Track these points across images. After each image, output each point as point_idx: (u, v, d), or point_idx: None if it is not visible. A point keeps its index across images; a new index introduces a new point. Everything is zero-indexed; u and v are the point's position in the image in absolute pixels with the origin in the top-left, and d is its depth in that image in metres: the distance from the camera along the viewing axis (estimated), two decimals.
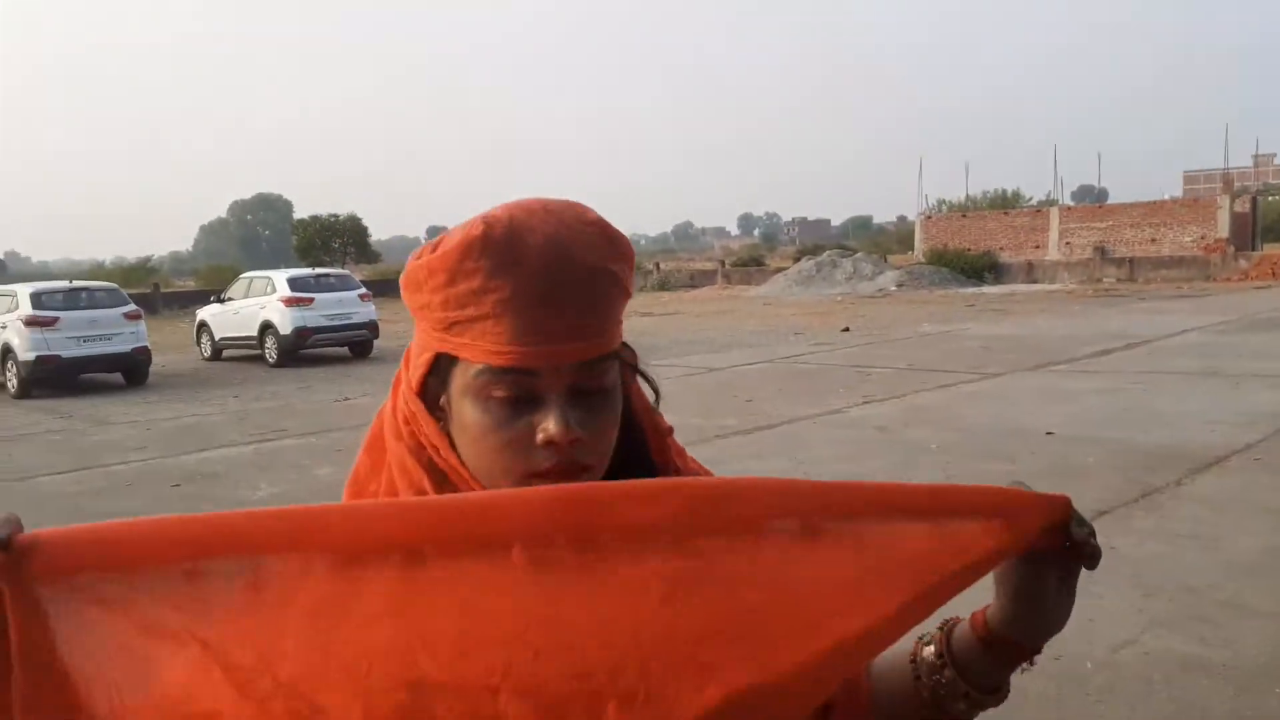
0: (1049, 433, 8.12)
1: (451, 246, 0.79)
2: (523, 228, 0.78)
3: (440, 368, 0.82)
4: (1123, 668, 3.77)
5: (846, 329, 18.75)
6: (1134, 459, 7.05)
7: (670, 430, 0.93)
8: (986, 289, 31.74)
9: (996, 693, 0.86)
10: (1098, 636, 4.05)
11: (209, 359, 18.40)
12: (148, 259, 55.23)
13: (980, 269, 34.79)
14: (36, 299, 14.37)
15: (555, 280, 0.78)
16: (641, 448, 0.89)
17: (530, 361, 0.78)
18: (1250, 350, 13.01)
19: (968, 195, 49.63)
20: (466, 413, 0.81)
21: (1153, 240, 33.82)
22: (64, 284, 15.84)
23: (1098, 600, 4.44)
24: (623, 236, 0.84)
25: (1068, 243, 35.58)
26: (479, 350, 0.78)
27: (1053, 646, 3.29)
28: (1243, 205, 34.54)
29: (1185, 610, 4.32)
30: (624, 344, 0.87)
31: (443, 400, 0.83)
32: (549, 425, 0.78)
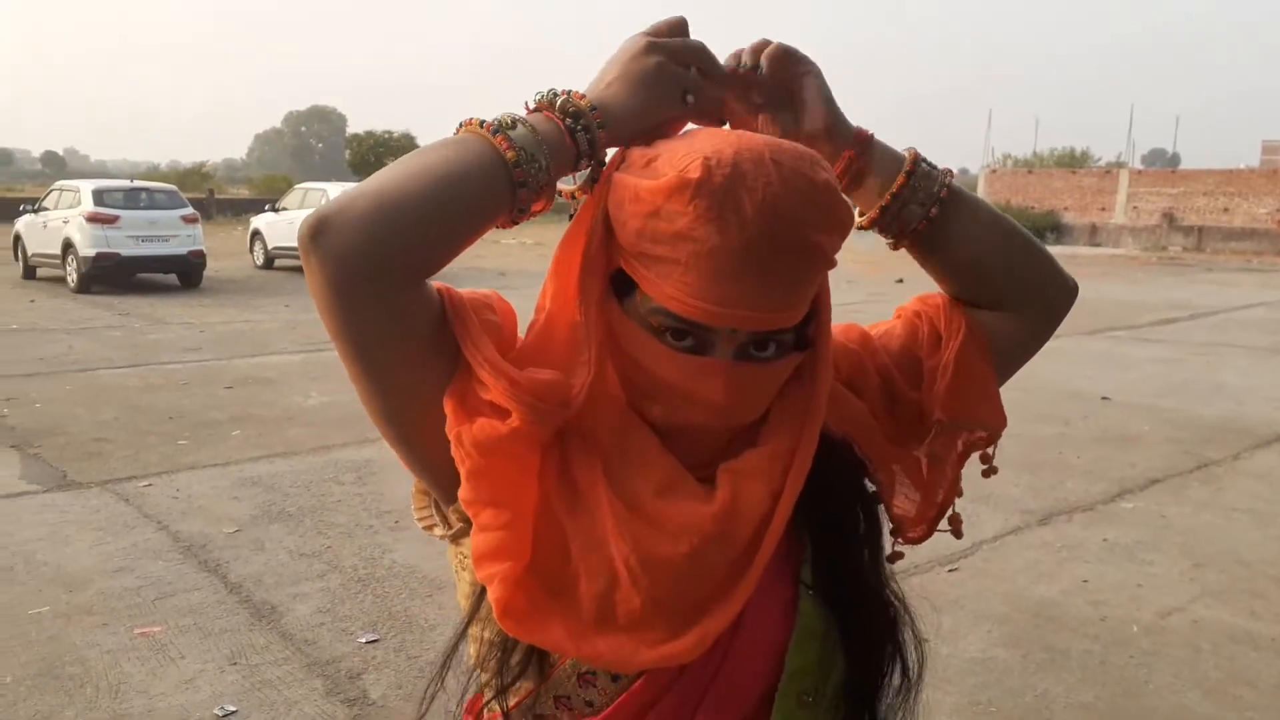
0: (1105, 398, 7.95)
1: (663, 184, 0.74)
2: (744, 180, 0.72)
3: (617, 281, 0.80)
4: (1170, 634, 3.71)
5: (900, 280, 18.42)
6: (1192, 430, 6.88)
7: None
8: (1048, 249, 30.97)
9: (907, 183, 0.91)
10: (1145, 602, 3.99)
11: (261, 267, 18.62)
12: (202, 164, 55.70)
13: (1042, 228, 33.88)
14: (99, 196, 14.55)
15: (760, 248, 0.73)
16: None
17: (712, 320, 0.75)
18: None
19: (1035, 152, 48.26)
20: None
21: (1225, 210, 32.64)
22: (125, 183, 15.99)
23: (1147, 567, 4.37)
24: (846, 205, 0.79)
25: (1135, 207, 34.48)
26: (662, 292, 0.75)
27: (1099, 608, 3.26)
28: None
29: (1236, 583, 4.23)
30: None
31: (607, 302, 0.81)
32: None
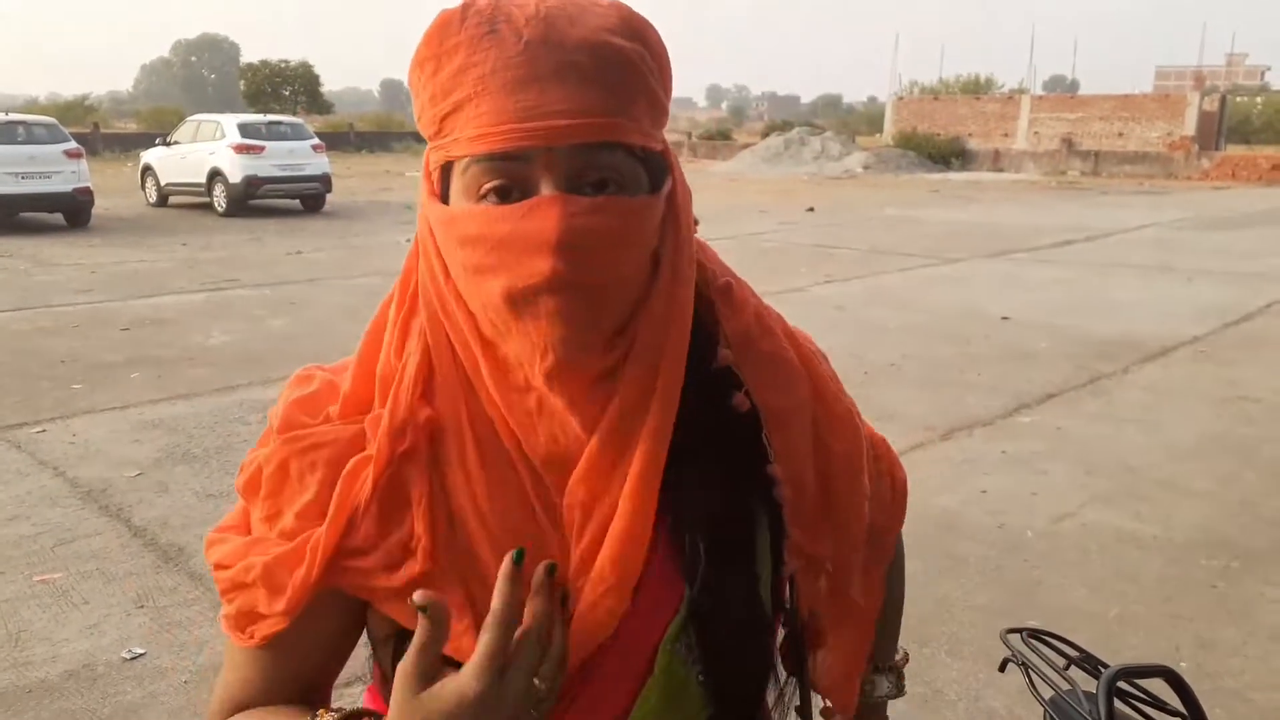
0: (1005, 318, 8.23)
1: (431, 30, 0.69)
2: None
3: (445, 188, 0.72)
4: (1061, 538, 3.92)
5: (811, 209, 18.63)
6: (1085, 346, 7.19)
7: (726, 284, 0.84)
8: (952, 175, 31.60)
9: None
10: (1039, 509, 4.20)
11: (154, 204, 17.73)
12: (85, 97, 52.30)
13: (947, 155, 34.55)
14: None
15: (547, 47, 0.65)
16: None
17: (515, 141, 0.65)
18: (1205, 248, 13.20)
19: (941, 78, 48.95)
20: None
21: (1120, 134, 33.74)
22: None
23: (1042, 476, 4.59)
24: (645, 22, 0.70)
25: (1036, 132, 35.37)
26: (464, 141, 0.67)
27: (996, 516, 3.42)
28: (1211, 104, 34.46)
29: (1124, 488, 4.47)
30: (663, 152, 0.73)
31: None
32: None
